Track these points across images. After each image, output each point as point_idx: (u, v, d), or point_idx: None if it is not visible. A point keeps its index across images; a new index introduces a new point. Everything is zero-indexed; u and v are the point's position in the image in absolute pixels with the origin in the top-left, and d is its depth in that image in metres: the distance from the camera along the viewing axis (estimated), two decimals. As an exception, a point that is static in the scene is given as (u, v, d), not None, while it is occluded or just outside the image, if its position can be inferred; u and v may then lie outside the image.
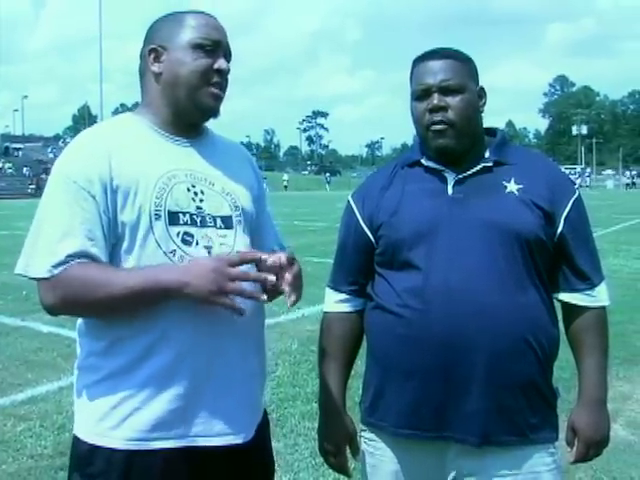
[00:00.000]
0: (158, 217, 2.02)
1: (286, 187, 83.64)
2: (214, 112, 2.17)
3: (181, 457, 2.04)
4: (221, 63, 2.12)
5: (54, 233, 1.96)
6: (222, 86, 2.15)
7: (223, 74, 2.14)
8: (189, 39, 2.10)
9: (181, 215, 2.05)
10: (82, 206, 1.98)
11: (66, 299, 1.97)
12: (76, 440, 2.11)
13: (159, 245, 2.01)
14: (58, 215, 1.98)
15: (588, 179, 74.86)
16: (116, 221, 2.01)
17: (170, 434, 2.03)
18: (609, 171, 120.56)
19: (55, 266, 1.94)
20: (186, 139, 2.17)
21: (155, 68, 2.13)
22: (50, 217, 2.00)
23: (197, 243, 2.06)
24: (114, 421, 2.02)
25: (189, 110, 2.13)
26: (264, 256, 2.03)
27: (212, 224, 2.11)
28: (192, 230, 2.06)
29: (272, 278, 2.00)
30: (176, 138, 2.15)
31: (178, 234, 2.04)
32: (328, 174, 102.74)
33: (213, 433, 2.07)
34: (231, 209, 2.17)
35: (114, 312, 1.99)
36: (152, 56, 2.13)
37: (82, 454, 2.07)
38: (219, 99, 2.16)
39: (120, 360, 2.01)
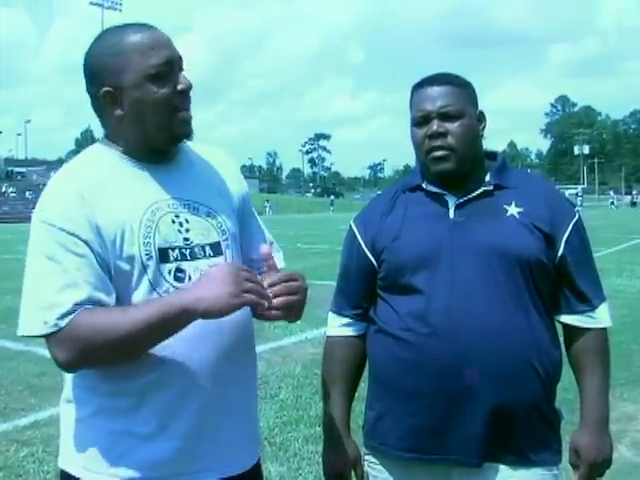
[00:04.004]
0: (149, 257, 1.92)
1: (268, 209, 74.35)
2: (188, 136, 2.03)
3: None
4: (182, 83, 1.97)
5: (51, 286, 1.84)
6: (188, 105, 2.00)
7: (187, 93, 1.99)
8: (142, 72, 1.92)
9: (170, 251, 1.95)
10: (74, 252, 1.86)
11: (80, 350, 1.83)
12: (67, 477, 2.02)
13: (152, 286, 1.92)
14: (52, 267, 1.85)
15: (579, 199, 74.98)
16: (107, 263, 1.90)
17: (169, 472, 1.95)
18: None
19: (61, 317, 1.82)
20: (161, 164, 2.03)
21: (118, 112, 1.96)
22: (44, 271, 1.87)
23: (190, 278, 1.96)
24: (111, 459, 1.93)
25: (162, 141, 2.00)
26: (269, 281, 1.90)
27: (202, 255, 2.00)
28: (183, 265, 1.96)
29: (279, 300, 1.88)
30: (151, 165, 2.01)
31: (170, 272, 1.94)
32: (332, 196, 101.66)
33: (212, 469, 2.00)
34: (218, 234, 2.06)
35: (135, 352, 1.88)
36: (107, 100, 1.95)
37: None
38: (190, 120, 2.01)
39: (117, 396, 1.93)
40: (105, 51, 1.97)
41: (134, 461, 1.93)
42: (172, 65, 1.97)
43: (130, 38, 1.95)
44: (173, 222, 1.98)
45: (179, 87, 1.96)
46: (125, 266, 1.91)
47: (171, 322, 1.83)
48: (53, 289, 1.85)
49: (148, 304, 1.86)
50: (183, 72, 2.00)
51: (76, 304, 1.83)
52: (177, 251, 1.97)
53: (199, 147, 2.17)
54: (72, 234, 1.87)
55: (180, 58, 1.99)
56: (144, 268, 1.92)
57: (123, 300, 1.92)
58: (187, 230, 2.00)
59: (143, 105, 1.94)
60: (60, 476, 2.08)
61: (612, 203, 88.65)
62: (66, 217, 1.88)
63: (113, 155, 2.02)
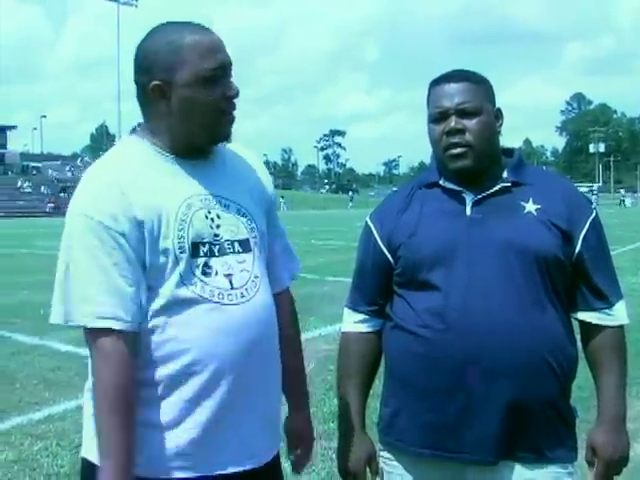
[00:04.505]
0: (182, 251, 1.96)
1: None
2: (228, 137, 2.09)
3: None
4: (232, 89, 2.01)
5: (88, 280, 1.90)
6: (234, 108, 2.05)
7: (235, 97, 2.04)
8: (196, 73, 1.95)
9: (201, 246, 1.99)
10: (112, 245, 1.90)
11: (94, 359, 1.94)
12: (89, 465, 2.02)
13: (182, 278, 1.95)
14: (90, 261, 1.90)
15: (594, 197, 73.39)
16: (144, 256, 1.94)
17: (190, 464, 1.97)
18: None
19: (100, 318, 1.88)
20: (197, 160, 2.06)
21: (163, 106, 1.99)
22: (81, 264, 1.91)
23: (216, 273, 2.00)
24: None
25: (204, 140, 2.05)
26: None
27: (230, 250, 2.04)
28: (211, 261, 2.00)
29: None
30: (187, 161, 2.04)
31: (198, 266, 1.98)
32: (351, 193, 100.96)
33: (233, 462, 2.01)
34: (247, 231, 2.09)
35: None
36: (157, 93, 1.98)
37: None
38: (233, 122, 2.06)
39: (139, 386, 1.94)
40: (162, 46, 1.99)
41: (154, 450, 1.96)
42: (225, 70, 2.00)
43: (189, 37, 1.98)
44: (206, 217, 2.02)
45: (229, 93, 2.01)
46: (160, 259, 1.95)
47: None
48: (89, 283, 1.90)
49: (123, 447, 1.88)
50: (232, 78, 2.03)
51: (113, 306, 1.88)
52: (207, 246, 2.00)
53: (231, 145, 2.19)
54: (109, 227, 1.90)
55: (231, 64, 2.03)
56: (177, 261, 1.95)
57: (152, 292, 1.95)
58: (218, 226, 2.03)
59: (192, 105, 1.98)
60: (82, 464, 2.10)
61: (622, 202, 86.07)
62: (103, 210, 1.91)
63: (148, 149, 2.05)
